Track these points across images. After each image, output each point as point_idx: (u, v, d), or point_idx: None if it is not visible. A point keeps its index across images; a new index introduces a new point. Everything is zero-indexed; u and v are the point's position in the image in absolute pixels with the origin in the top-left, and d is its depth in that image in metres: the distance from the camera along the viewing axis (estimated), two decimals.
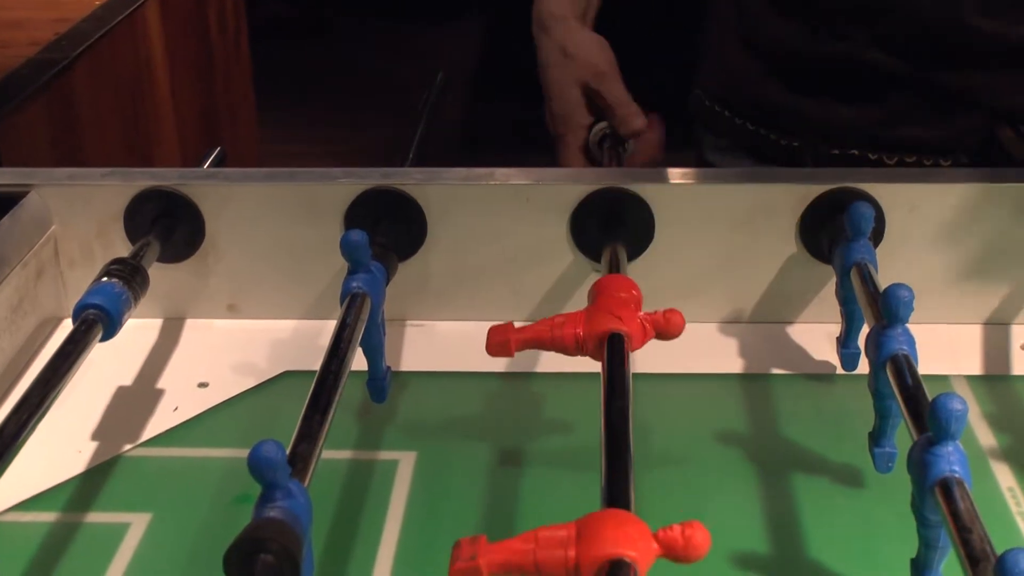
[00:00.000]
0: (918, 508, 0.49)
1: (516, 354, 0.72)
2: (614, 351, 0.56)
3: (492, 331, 0.59)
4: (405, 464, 0.64)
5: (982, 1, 0.92)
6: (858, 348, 0.69)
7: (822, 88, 1.01)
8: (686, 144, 1.18)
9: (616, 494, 0.46)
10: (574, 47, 1.05)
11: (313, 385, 0.54)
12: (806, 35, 1.00)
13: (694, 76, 1.16)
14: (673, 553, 0.42)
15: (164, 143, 1.84)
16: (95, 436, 0.67)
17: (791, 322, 0.76)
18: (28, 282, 0.73)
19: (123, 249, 0.73)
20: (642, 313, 0.59)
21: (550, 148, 1.10)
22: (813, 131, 1.02)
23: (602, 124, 1.04)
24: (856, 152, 1.01)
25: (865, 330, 0.61)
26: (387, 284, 0.67)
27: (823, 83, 1.01)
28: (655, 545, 0.42)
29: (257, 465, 0.44)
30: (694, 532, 0.42)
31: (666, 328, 0.58)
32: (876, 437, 0.60)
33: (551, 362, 0.73)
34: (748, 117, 1.06)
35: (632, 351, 0.57)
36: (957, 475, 0.47)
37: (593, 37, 1.07)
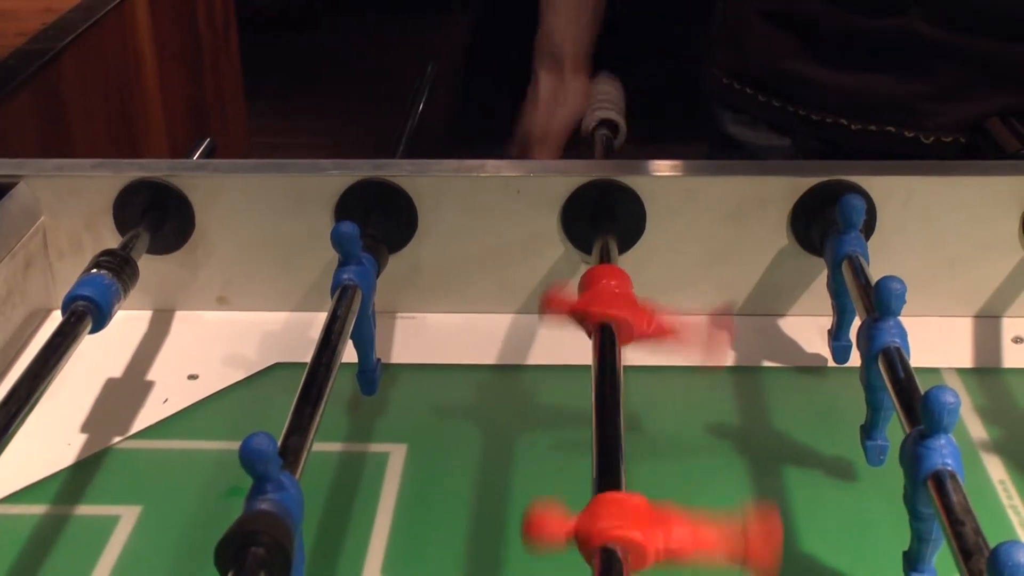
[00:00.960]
0: (910, 501, 0.49)
1: (507, 346, 0.72)
2: (604, 341, 0.56)
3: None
4: (396, 456, 0.64)
5: None
6: (850, 341, 0.68)
7: (863, 62, 1.00)
8: (693, 137, 1.18)
9: (607, 487, 0.46)
10: (550, 99, 1.10)
11: (304, 377, 0.54)
12: (848, 9, 0.99)
13: (705, 56, 1.15)
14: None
15: (152, 134, 1.84)
16: (85, 428, 0.66)
17: (782, 315, 0.76)
18: (17, 273, 0.72)
19: (112, 241, 0.72)
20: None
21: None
22: (850, 107, 1.02)
23: (597, 111, 1.04)
24: (892, 129, 1.00)
25: (857, 323, 0.61)
26: (378, 276, 0.66)
27: (864, 57, 1.00)
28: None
29: (248, 457, 0.44)
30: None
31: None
32: (868, 430, 0.60)
33: (542, 354, 0.73)
34: (775, 94, 1.06)
35: (623, 344, 0.57)
36: (950, 468, 0.47)
37: (572, 95, 1.10)
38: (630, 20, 1.10)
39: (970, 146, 0.97)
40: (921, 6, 0.95)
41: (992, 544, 0.41)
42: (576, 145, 1.06)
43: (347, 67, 3.83)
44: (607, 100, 1.06)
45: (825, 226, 0.70)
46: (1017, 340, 0.74)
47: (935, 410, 0.47)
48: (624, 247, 0.73)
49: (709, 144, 1.16)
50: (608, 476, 0.47)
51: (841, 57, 1.01)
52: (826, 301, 0.70)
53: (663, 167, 0.74)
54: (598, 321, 0.57)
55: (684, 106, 1.22)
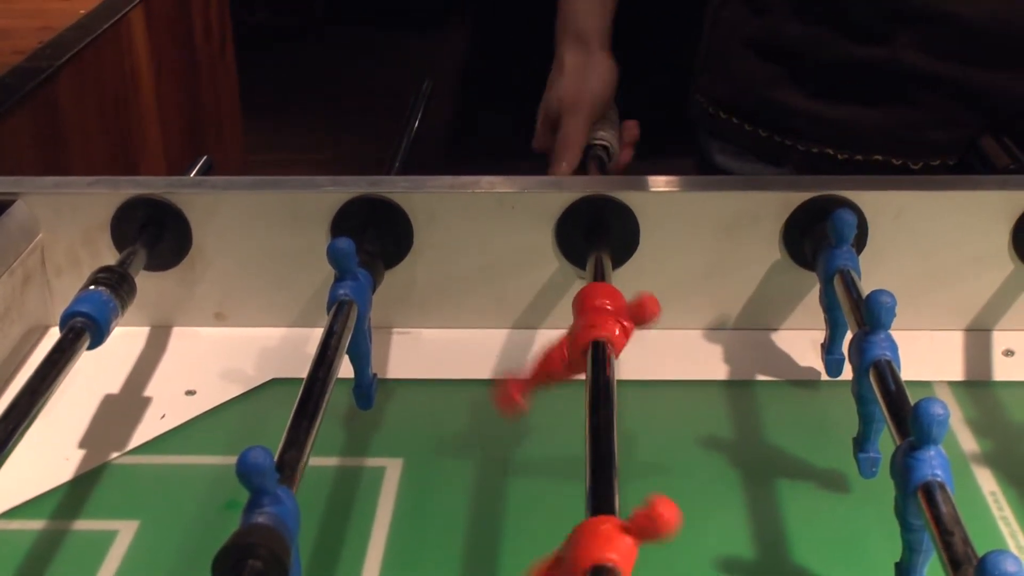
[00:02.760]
0: (901, 512, 0.49)
1: (502, 361, 0.73)
2: (596, 358, 0.56)
3: (497, 393, 0.59)
4: (392, 471, 0.64)
5: None
6: (842, 354, 0.69)
7: (849, 92, 1.01)
8: (681, 153, 1.19)
9: (601, 503, 0.46)
10: (577, 72, 1.08)
11: (300, 392, 0.55)
12: (835, 39, 0.99)
13: (691, 83, 1.16)
14: (647, 536, 0.42)
15: (149, 152, 1.84)
16: (82, 444, 0.67)
17: (775, 329, 0.77)
18: (15, 290, 0.73)
19: (110, 257, 0.73)
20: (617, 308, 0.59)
21: (535, 155, 1.10)
22: (837, 137, 1.02)
23: (592, 132, 1.05)
24: (880, 158, 1.01)
25: (849, 336, 0.62)
26: (374, 292, 0.67)
27: (851, 87, 1.00)
28: (628, 539, 0.42)
29: (245, 471, 0.44)
30: (658, 509, 0.42)
31: (641, 314, 0.58)
32: (860, 442, 0.61)
33: None
34: (761, 124, 1.06)
35: (616, 354, 0.57)
36: (939, 479, 0.47)
37: (601, 66, 1.09)
38: (619, 39, 1.10)
39: (961, 162, 0.98)
40: (906, 36, 0.96)
41: (981, 554, 0.41)
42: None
43: (343, 83, 3.84)
44: (601, 121, 1.07)
45: (817, 240, 0.71)
46: (1007, 353, 0.74)
47: (924, 422, 0.47)
48: (618, 262, 0.73)
49: (697, 171, 1.17)
50: (601, 494, 0.47)
51: (826, 87, 1.02)
52: (819, 315, 0.70)
53: (656, 183, 0.75)
54: (583, 347, 0.58)
55: (674, 122, 1.23)
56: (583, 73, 1.08)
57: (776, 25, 1.03)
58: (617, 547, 0.42)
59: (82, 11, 1.69)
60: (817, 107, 1.02)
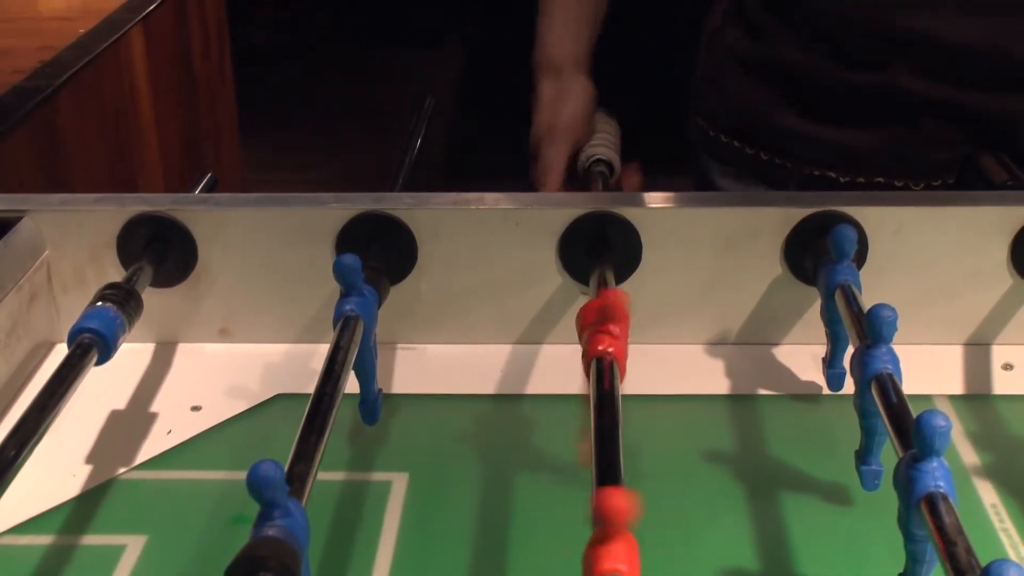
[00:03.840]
0: (904, 523, 0.50)
1: (506, 376, 0.73)
2: (598, 372, 0.57)
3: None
4: (398, 485, 0.65)
5: (1018, 28, 0.95)
6: (843, 368, 0.70)
7: (847, 116, 1.01)
8: (681, 171, 1.19)
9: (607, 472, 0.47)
10: (554, 101, 1.10)
11: (308, 406, 0.55)
12: (831, 64, 1.00)
13: (689, 105, 1.17)
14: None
15: (148, 170, 1.85)
16: (89, 459, 0.67)
17: (777, 343, 0.77)
18: (21, 307, 0.73)
19: (116, 274, 0.73)
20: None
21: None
22: (837, 160, 1.03)
23: (592, 149, 1.06)
24: (882, 180, 1.02)
25: (850, 350, 0.62)
26: (379, 307, 0.67)
27: (849, 111, 1.01)
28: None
29: (256, 484, 0.44)
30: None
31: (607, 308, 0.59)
32: (862, 455, 0.61)
33: (541, 384, 0.74)
34: (762, 147, 1.07)
35: (619, 361, 0.57)
36: (942, 490, 0.48)
37: (574, 90, 1.10)
38: (616, 55, 1.11)
39: (960, 179, 0.99)
40: (903, 61, 0.97)
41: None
42: (572, 180, 1.08)
43: (341, 101, 3.85)
44: (602, 138, 1.08)
45: (818, 256, 0.71)
46: (1007, 367, 0.75)
47: (927, 434, 0.48)
48: (620, 278, 0.74)
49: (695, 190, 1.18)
50: (609, 463, 0.48)
51: (825, 111, 1.03)
52: (820, 329, 0.71)
53: (658, 199, 0.75)
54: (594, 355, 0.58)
55: (672, 142, 1.24)
56: (557, 102, 1.10)
57: (773, 50, 1.04)
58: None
59: (81, 30, 1.70)
60: (815, 130, 1.03)
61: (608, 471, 0.49)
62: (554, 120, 1.09)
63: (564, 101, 1.10)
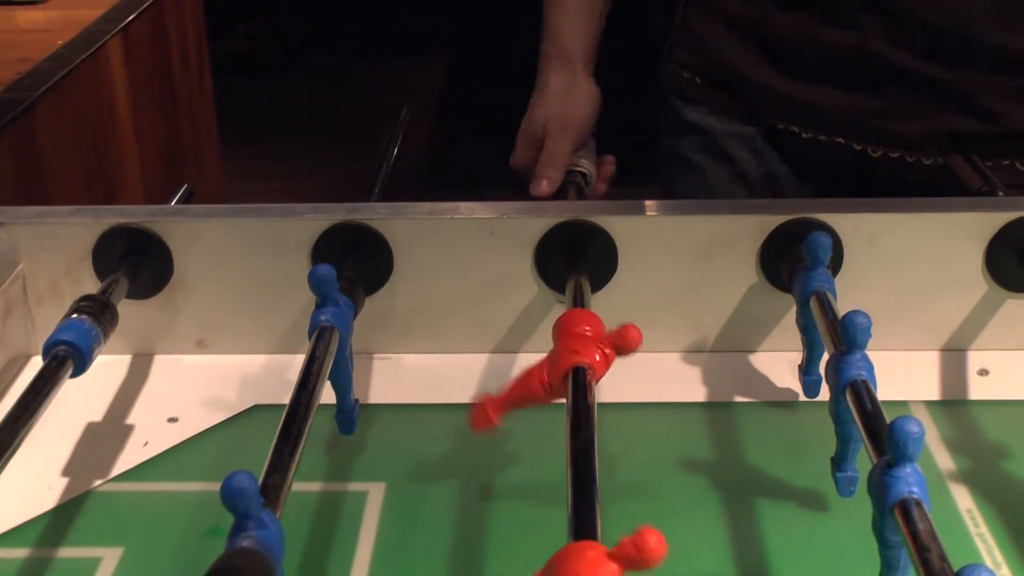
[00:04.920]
0: (879, 529, 0.50)
1: (483, 385, 0.73)
2: (577, 384, 0.57)
3: (472, 412, 0.59)
4: (375, 495, 0.64)
5: (998, 12, 0.96)
6: (819, 375, 0.70)
7: (820, 75, 1.03)
8: (650, 180, 1.19)
9: (583, 526, 0.47)
10: (564, 94, 1.09)
11: (283, 417, 0.55)
12: (809, 23, 1.01)
13: (664, 53, 1.17)
14: (633, 565, 0.42)
15: (128, 181, 1.85)
16: (66, 472, 0.67)
17: (753, 351, 0.78)
18: None
19: (92, 286, 0.73)
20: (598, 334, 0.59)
21: (513, 181, 1.11)
22: (803, 116, 1.05)
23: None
24: (842, 140, 1.03)
25: (826, 357, 0.62)
26: (355, 318, 0.67)
27: (819, 69, 1.03)
28: (614, 566, 0.43)
29: (230, 495, 0.44)
30: (645, 539, 0.42)
31: (624, 343, 0.58)
32: (838, 462, 0.61)
33: None
34: (735, 95, 1.09)
35: (596, 380, 0.57)
36: (916, 496, 0.48)
37: (587, 91, 1.10)
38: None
39: (933, 182, 1.00)
40: (874, 24, 0.98)
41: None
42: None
43: (321, 111, 3.84)
44: (581, 148, 1.08)
45: (793, 263, 0.72)
46: (982, 372, 0.75)
47: (900, 439, 0.48)
48: (596, 286, 0.74)
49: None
50: (584, 517, 0.47)
51: (796, 67, 1.04)
52: (796, 336, 0.71)
53: (634, 207, 0.76)
54: (563, 372, 0.58)
55: (640, 150, 1.24)
56: (569, 95, 1.09)
57: (752, 4, 1.05)
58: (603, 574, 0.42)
59: (60, 42, 1.69)
60: (786, 85, 1.05)
61: (584, 485, 0.49)
62: (567, 112, 1.08)
63: (575, 96, 1.09)
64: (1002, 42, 0.97)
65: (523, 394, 0.59)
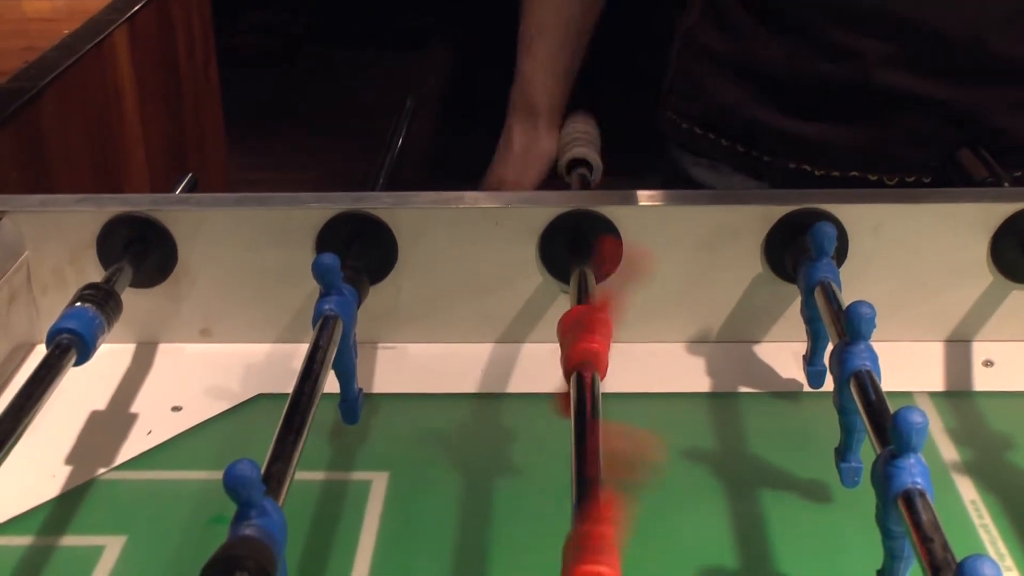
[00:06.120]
0: (882, 520, 0.50)
1: (487, 375, 0.73)
2: (579, 384, 0.56)
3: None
4: (378, 484, 0.64)
5: (1005, 20, 0.94)
6: (824, 365, 0.70)
7: (822, 110, 1.01)
8: (651, 169, 1.19)
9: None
10: (523, 155, 1.12)
11: (286, 406, 0.55)
12: (804, 56, 1.00)
13: (660, 100, 1.16)
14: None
15: (133, 171, 1.85)
16: (69, 460, 0.67)
17: (758, 341, 0.77)
18: (1, 308, 0.73)
19: (96, 275, 0.73)
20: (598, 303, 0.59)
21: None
22: (813, 154, 1.03)
23: (573, 149, 1.06)
24: (856, 173, 1.02)
25: (831, 347, 0.62)
26: (359, 307, 0.67)
27: (823, 105, 1.01)
28: None
29: (232, 483, 0.44)
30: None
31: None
32: (842, 452, 0.61)
33: (521, 383, 0.74)
34: (737, 139, 1.07)
35: (601, 369, 0.57)
36: (919, 487, 0.48)
37: (544, 147, 1.11)
38: (594, 55, 1.11)
39: (940, 176, 0.99)
40: (876, 51, 0.97)
41: None
42: (552, 179, 1.08)
43: (326, 102, 3.85)
44: (582, 138, 1.07)
45: (798, 253, 0.71)
46: (987, 363, 0.75)
47: (904, 430, 0.48)
48: (601, 276, 0.74)
49: (669, 187, 1.17)
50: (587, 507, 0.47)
51: (799, 105, 1.02)
52: (800, 327, 0.71)
53: (638, 197, 0.76)
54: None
55: (641, 140, 1.24)
56: (528, 156, 1.11)
57: (748, 44, 1.04)
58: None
59: (66, 31, 1.69)
60: (791, 124, 1.03)
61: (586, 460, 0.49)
62: (524, 173, 1.11)
63: (532, 157, 1.11)
64: (1014, 53, 0.95)
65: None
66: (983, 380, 0.74)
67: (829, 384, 0.63)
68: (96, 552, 0.59)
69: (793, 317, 0.73)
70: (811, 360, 0.71)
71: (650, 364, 0.75)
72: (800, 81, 1.01)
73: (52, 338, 0.63)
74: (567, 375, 0.57)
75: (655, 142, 1.18)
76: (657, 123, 1.16)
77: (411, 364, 0.76)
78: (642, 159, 1.16)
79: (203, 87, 2.26)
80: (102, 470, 0.66)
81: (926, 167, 0.99)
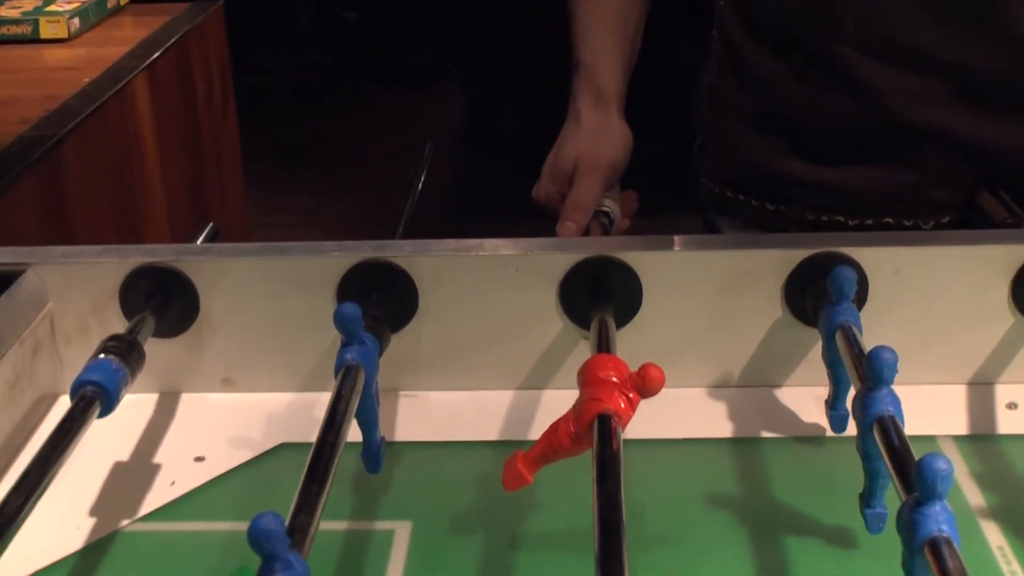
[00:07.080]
0: (908, 568, 0.50)
1: (508, 423, 0.73)
2: (603, 432, 0.56)
3: (504, 470, 0.60)
4: (401, 533, 0.64)
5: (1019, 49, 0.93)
6: (846, 410, 0.69)
7: (852, 154, 1.01)
8: (684, 209, 1.19)
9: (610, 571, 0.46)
10: (597, 133, 1.07)
11: (310, 456, 0.55)
12: (834, 98, 0.99)
13: (693, 166, 1.16)
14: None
15: (153, 217, 1.86)
16: (93, 512, 0.67)
17: (779, 385, 0.77)
18: (25, 359, 0.73)
19: (119, 325, 0.74)
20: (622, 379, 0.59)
21: (535, 216, 1.11)
22: (843, 203, 1.02)
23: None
24: (891, 220, 1.01)
25: (853, 392, 0.62)
26: (380, 355, 0.67)
27: (850, 151, 1.00)
28: None
29: (257, 537, 0.44)
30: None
31: (645, 385, 0.58)
32: (866, 498, 0.61)
33: (542, 430, 0.73)
34: (767, 197, 1.06)
35: (623, 427, 0.57)
36: (945, 534, 0.48)
37: (619, 131, 1.08)
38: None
39: (959, 217, 0.99)
40: (908, 88, 0.96)
41: None
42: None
43: (343, 144, 3.86)
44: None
45: (818, 297, 0.71)
46: (1011, 406, 0.75)
47: (929, 477, 0.48)
48: (621, 322, 0.74)
49: None
50: (611, 559, 0.47)
51: (825, 153, 1.02)
52: (822, 371, 0.71)
53: (658, 242, 0.76)
54: (589, 422, 0.58)
55: (674, 181, 1.24)
56: (602, 135, 1.07)
57: (772, 95, 1.04)
58: None
59: (86, 79, 1.71)
60: (818, 174, 1.03)
61: (610, 531, 0.49)
62: (600, 153, 1.06)
63: (608, 136, 1.07)
64: None
65: (553, 447, 0.59)
66: (1007, 423, 0.74)
67: (852, 428, 0.63)
68: None
69: (814, 361, 0.73)
70: (833, 404, 0.71)
71: (671, 409, 0.75)
72: (830, 124, 1.01)
73: (76, 390, 0.63)
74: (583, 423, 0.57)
75: (685, 188, 1.18)
76: (694, 191, 1.16)
77: (432, 412, 0.76)
78: (672, 205, 1.16)
79: (222, 131, 2.27)
80: (125, 522, 0.66)
81: (960, 207, 0.99)
